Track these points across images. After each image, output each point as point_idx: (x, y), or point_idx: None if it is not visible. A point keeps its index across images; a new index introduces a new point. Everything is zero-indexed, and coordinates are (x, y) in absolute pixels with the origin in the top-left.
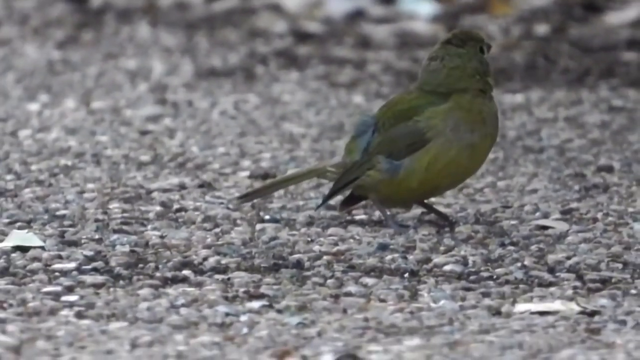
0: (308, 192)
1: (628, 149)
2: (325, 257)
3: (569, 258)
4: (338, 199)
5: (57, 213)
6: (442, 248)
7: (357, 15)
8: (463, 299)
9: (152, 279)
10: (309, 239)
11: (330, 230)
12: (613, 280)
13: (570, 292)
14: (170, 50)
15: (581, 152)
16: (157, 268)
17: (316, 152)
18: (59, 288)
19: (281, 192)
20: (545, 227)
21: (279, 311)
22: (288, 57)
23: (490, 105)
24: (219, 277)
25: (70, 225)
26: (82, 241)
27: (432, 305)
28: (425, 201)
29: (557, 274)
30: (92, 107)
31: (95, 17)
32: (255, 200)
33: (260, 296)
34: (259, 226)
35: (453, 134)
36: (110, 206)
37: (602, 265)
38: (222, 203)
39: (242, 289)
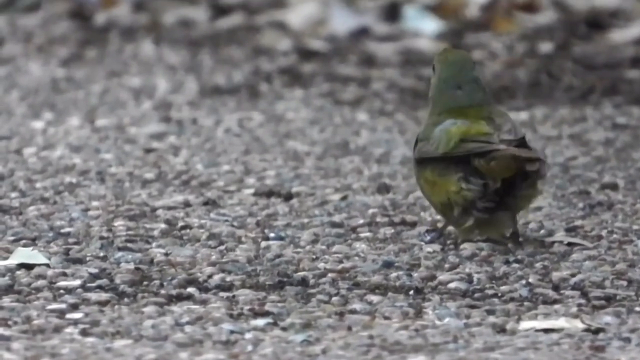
0: (312, 210)
1: (632, 167)
2: (330, 275)
3: (573, 275)
4: None
5: (62, 230)
6: (446, 265)
7: (361, 33)
8: (468, 316)
9: (156, 296)
10: (314, 257)
11: (335, 248)
12: (617, 297)
13: (574, 309)
14: (174, 68)
15: (585, 169)
16: (161, 285)
17: (320, 169)
18: (63, 305)
19: (286, 209)
20: (550, 244)
21: (284, 329)
22: (292, 75)
23: None
24: (224, 294)
25: (75, 243)
26: (87, 259)
27: (437, 322)
28: None
29: (562, 291)
30: (97, 125)
31: (99, 34)
32: None
33: (265, 314)
34: (263, 244)
35: None
36: (115, 224)
37: (607, 283)
38: (226, 220)
39: (246, 307)
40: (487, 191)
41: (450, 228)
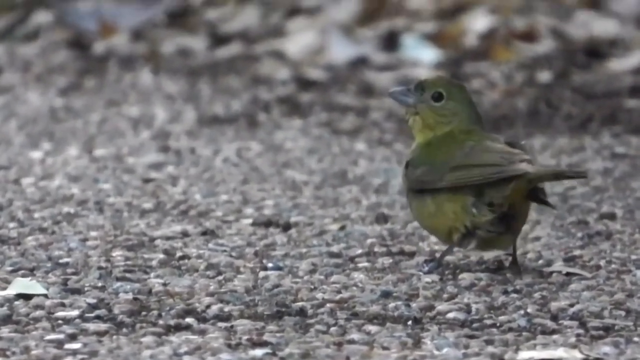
0: (311, 240)
1: (631, 196)
2: (328, 305)
3: (572, 305)
4: None
5: (60, 261)
6: (445, 295)
7: (360, 63)
8: (466, 346)
9: (155, 326)
10: (312, 287)
11: (333, 278)
12: (616, 327)
13: (573, 339)
14: (172, 97)
15: (584, 199)
16: (160, 316)
17: (319, 199)
18: (62, 336)
19: (284, 239)
20: (549, 274)
21: (282, 359)
22: (291, 104)
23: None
24: (222, 324)
25: (73, 273)
26: (85, 289)
27: (436, 352)
28: None
29: (560, 321)
30: (95, 155)
31: (98, 64)
32: None
33: (264, 344)
34: (262, 274)
35: None
36: (113, 254)
37: (605, 313)
38: (225, 250)
39: (245, 337)
40: (496, 216)
41: (449, 258)
